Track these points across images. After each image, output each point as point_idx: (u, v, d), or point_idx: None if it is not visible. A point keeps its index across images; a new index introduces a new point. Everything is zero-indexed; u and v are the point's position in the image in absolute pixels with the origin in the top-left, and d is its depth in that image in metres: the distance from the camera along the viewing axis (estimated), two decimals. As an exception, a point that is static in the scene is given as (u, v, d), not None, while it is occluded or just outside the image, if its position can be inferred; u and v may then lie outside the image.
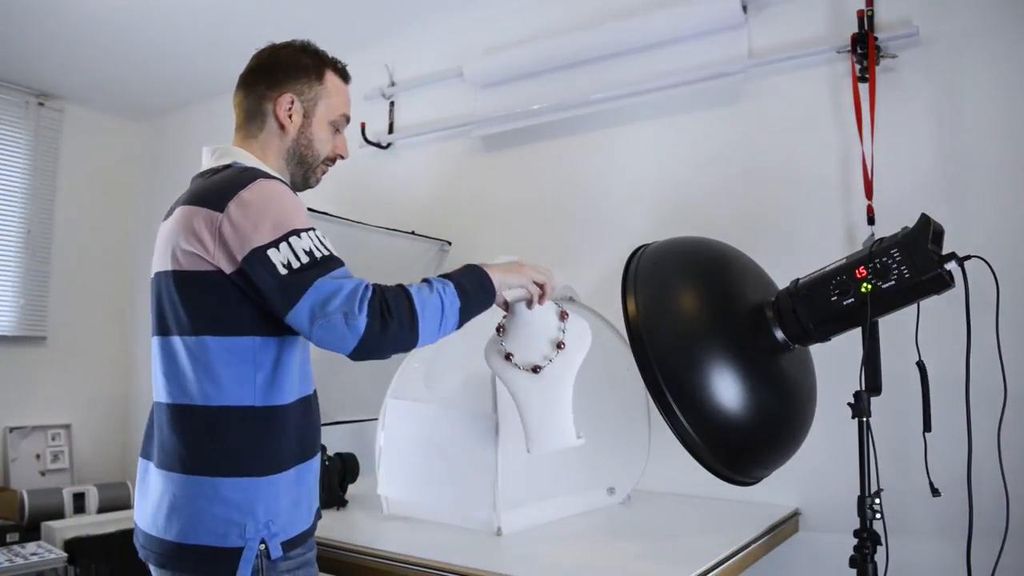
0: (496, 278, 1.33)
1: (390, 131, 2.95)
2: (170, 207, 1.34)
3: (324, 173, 1.47)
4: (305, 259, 1.15)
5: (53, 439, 3.51)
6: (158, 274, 1.27)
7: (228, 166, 1.29)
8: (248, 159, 1.34)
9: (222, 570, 1.17)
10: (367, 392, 2.25)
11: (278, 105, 1.37)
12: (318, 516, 1.34)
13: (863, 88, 1.95)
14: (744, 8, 2.17)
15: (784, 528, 1.85)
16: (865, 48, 1.94)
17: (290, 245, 1.15)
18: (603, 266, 2.34)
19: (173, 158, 3.81)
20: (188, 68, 3.31)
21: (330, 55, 1.45)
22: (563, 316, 1.46)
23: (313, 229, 1.20)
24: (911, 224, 1.34)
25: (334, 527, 1.68)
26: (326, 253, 1.18)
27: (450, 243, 2.59)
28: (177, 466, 1.20)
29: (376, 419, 1.81)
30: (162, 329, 1.26)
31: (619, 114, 2.40)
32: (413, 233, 2.49)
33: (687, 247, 1.64)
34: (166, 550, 1.20)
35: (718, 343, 1.43)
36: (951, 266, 1.28)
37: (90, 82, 3.50)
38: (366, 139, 2.94)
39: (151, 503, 1.24)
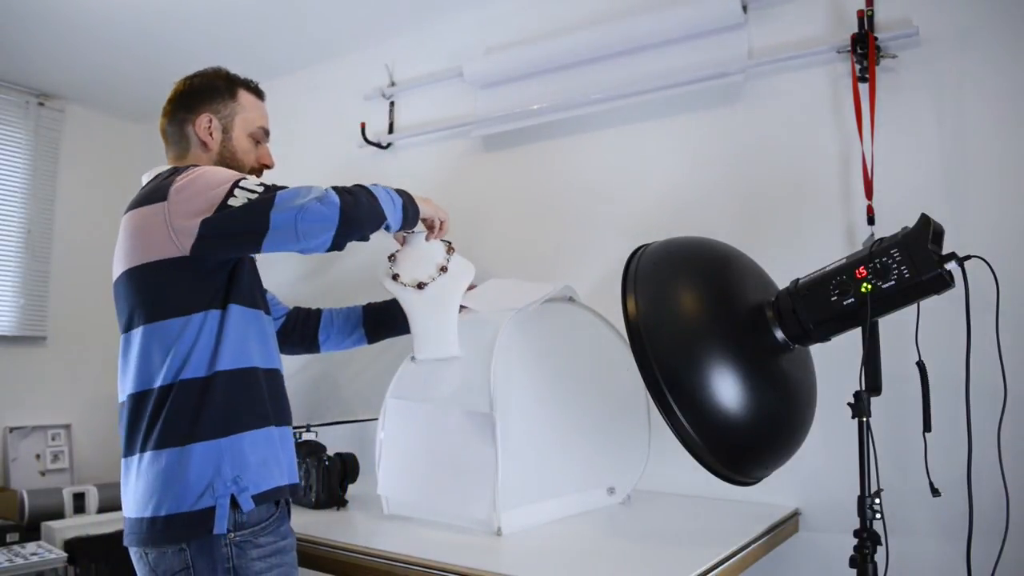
0: (419, 204, 1.61)
1: (390, 131, 2.95)
2: (128, 206, 1.47)
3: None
4: (260, 189, 1.29)
5: (53, 439, 3.50)
6: (116, 280, 1.39)
7: (167, 172, 1.43)
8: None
9: (201, 531, 1.24)
10: (367, 392, 2.25)
11: (197, 126, 1.53)
12: (294, 492, 1.41)
13: (863, 88, 1.95)
14: (744, 8, 2.17)
15: (784, 528, 1.85)
16: (865, 48, 1.94)
17: (240, 187, 1.28)
18: (603, 266, 2.34)
19: (173, 158, 3.81)
20: (188, 68, 3.28)
21: (242, 77, 1.62)
22: (450, 249, 1.79)
23: (246, 178, 1.33)
24: (911, 224, 1.34)
25: (334, 527, 1.68)
26: (269, 184, 1.32)
27: (450, 243, 2.59)
28: (143, 447, 1.29)
29: (376, 419, 1.81)
30: (127, 327, 1.36)
31: (619, 114, 2.40)
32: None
33: (687, 247, 1.64)
34: (146, 527, 1.26)
35: (718, 343, 1.43)
36: (951, 266, 1.28)
37: (90, 82, 3.50)
38: (366, 139, 2.94)
39: (130, 491, 1.32)
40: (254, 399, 1.35)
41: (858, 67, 1.96)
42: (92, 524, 2.91)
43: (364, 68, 3.04)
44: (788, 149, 2.11)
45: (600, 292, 2.21)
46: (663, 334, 1.45)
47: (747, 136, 2.18)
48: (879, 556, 1.31)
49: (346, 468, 1.93)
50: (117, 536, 2.95)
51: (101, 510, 3.13)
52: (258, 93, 1.62)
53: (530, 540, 1.57)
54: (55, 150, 3.68)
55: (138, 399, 1.31)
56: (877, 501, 1.31)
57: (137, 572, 1.34)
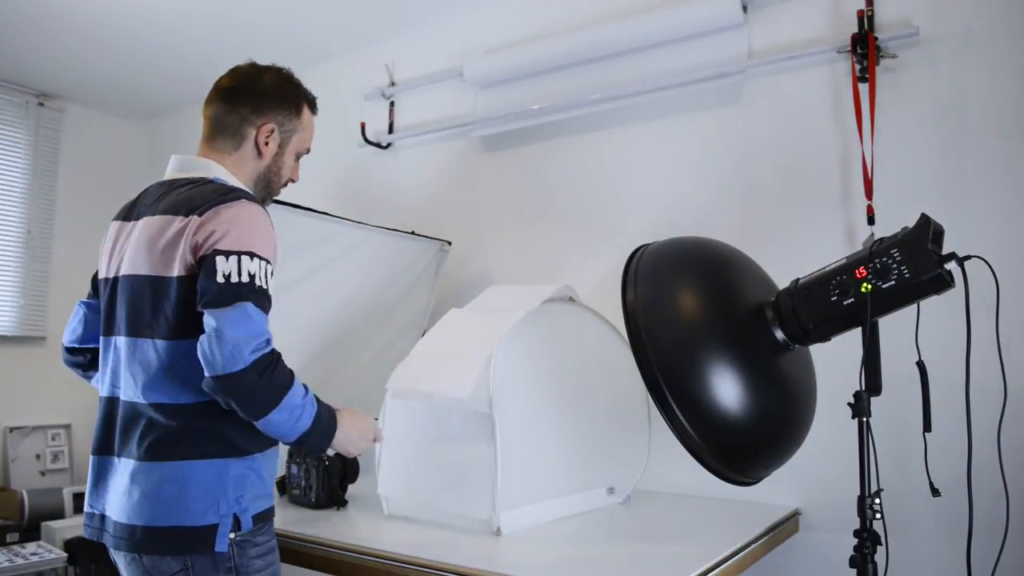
0: (340, 436, 1.38)
1: (390, 131, 2.95)
2: (128, 208, 1.43)
3: (277, 194, 1.58)
4: (245, 278, 1.22)
5: (53, 439, 3.50)
6: (123, 278, 1.34)
7: (208, 181, 1.36)
8: (227, 177, 1.40)
9: (202, 547, 1.24)
10: (367, 392, 2.25)
11: (260, 132, 1.43)
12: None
13: (863, 88, 1.95)
14: (744, 8, 2.17)
15: (784, 528, 1.85)
16: (865, 48, 1.94)
17: (239, 261, 1.23)
18: (603, 266, 2.34)
19: (173, 158, 3.81)
20: (188, 68, 3.31)
21: (304, 86, 1.53)
22: None
23: (269, 263, 1.28)
24: (911, 224, 1.34)
25: (334, 527, 1.68)
26: (264, 287, 1.25)
27: (450, 243, 2.59)
28: (150, 456, 1.27)
29: (376, 419, 1.81)
30: (136, 331, 1.31)
31: (619, 114, 2.40)
32: (413, 233, 2.49)
33: (687, 247, 1.64)
34: (142, 536, 1.25)
35: (718, 343, 1.43)
36: (951, 266, 1.28)
37: (90, 82, 3.51)
38: (366, 139, 2.94)
39: (121, 492, 1.29)
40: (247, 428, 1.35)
41: (858, 67, 1.96)
42: (92, 524, 2.90)
43: (364, 68, 3.04)
44: (788, 149, 2.11)
45: (600, 292, 2.21)
46: (663, 334, 1.45)
47: (747, 136, 2.18)
48: (879, 556, 1.31)
49: (346, 468, 1.93)
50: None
51: (101, 510, 3.12)
52: (315, 109, 1.56)
53: (530, 540, 1.57)
54: (55, 150, 3.68)
55: (160, 409, 1.28)
56: (877, 501, 1.31)
57: (125, 574, 1.33)
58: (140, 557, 1.27)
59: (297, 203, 2.01)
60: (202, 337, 1.19)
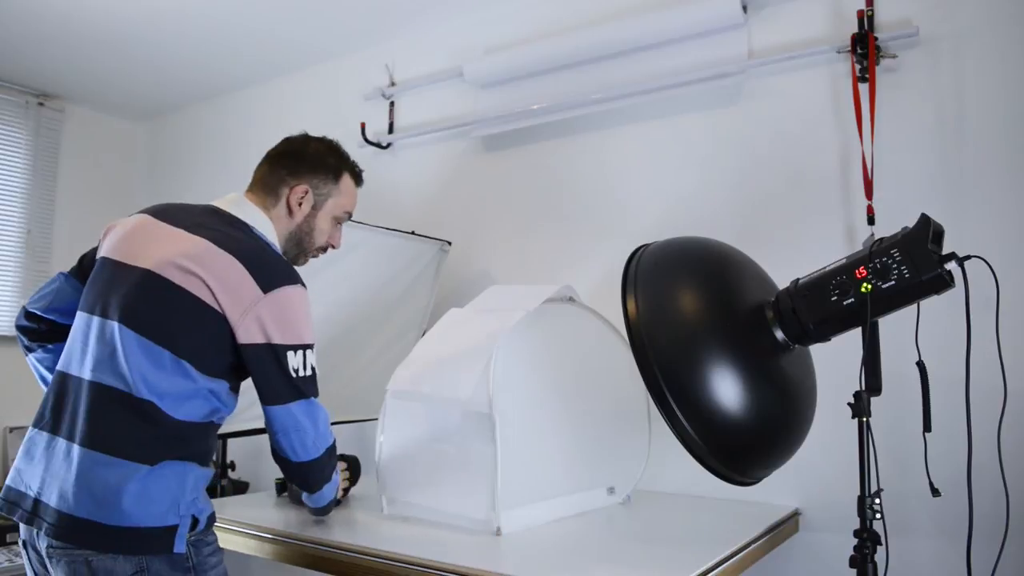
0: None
1: (390, 131, 2.95)
2: (163, 210, 1.45)
3: (315, 257, 1.65)
4: (309, 372, 1.39)
5: (53, 439, 3.50)
6: (147, 272, 1.32)
7: (249, 228, 1.45)
8: (269, 232, 1.50)
9: (160, 548, 1.25)
10: (367, 392, 2.25)
11: (293, 192, 1.53)
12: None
13: (863, 88, 1.95)
14: (744, 8, 2.17)
15: (784, 528, 1.85)
16: (865, 48, 1.94)
17: (304, 355, 1.37)
18: (603, 266, 2.34)
19: (173, 158, 3.81)
20: (188, 68, 3.31)
21: (351, 159, 1.64)
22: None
23: (313, 347, 1.41)
24: (911, 224, 1.34)
25: (334, 527, 1.68)
26: (315, 374, 1.42)
27: (450, 243, 2.59)
28: (119, 451, 1.25)
29: (376, 419, 1.81)
30: (146, 330, 1.29)
31: (619, 114, 2.40)
32: (413, 233, 2.49)
33: (687, 247, 1.64)
34: (96, 532, 1.22)
35: (718, 343, 1.43)
36: (951, 266, 1.28)
37: (90, 82, 3.51)
38: (366, 139, 2.94)
39: (69, 483, 1.24)
40: (212, 443, 1.43)
41: (858, 67, 1.96)
42: (92, 524, 2.90)
43: (364, 68, 3.04)
44: (788, 149, 2.11)
45: (600, 292, 2.21)
46: (663, 334, 1.45)
47: (747, 136, 2.18)
48: (879, 556, 1.31)
49: (350, 469, 1.91)
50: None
51: (101, 510, 3.12)
52: (359, 179, 1.66)
53: (530, 540, 1.57)
54: (55, 150, 3.68)
55: (140, 407, 1.26)
56: (877, 501, 1.31)
57: (55, 571, 1.25)
58: (89, 559, 1.22)
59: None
60: (285, 428, 1.36)
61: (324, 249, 1.63)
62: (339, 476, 1.58)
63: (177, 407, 1.29)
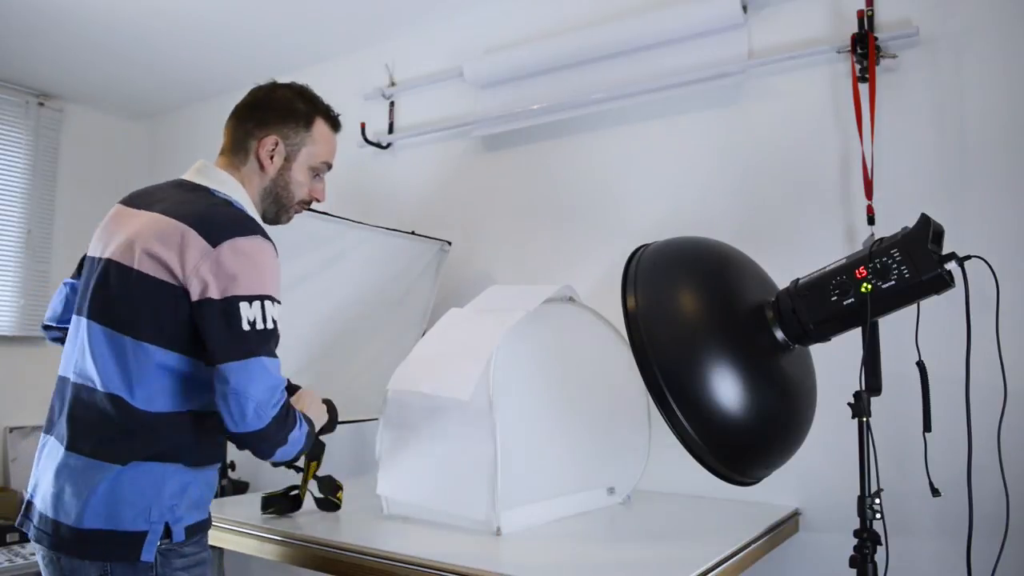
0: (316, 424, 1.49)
1: (390, 131, 2.95)
2: (137, 196, 1.40)
3: (298, 212, 1.52)
4: (270, 325, 1.24)
5: (53, 439, 3.50)
6: (108, 261, 1.29)
7: (210, 191, 1.36)
8: (235, 191, 1.39)
9: (127, 555, 1.20)
10: (367, 392, 2.25)
11: (262, 145, 1.42)
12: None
13: (863, 88, 1.95)
14: (744, 8, 2.17)
15: (784, 528, 1.85)
16: (865, 48, 1.94)
17: (263, 306, 1.23)
18: (603, 266, 2.34)
19: (173, 158, 3.81)
20: (188, 68, 3.31)
21: (324, 103, 1.50)
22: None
23: (279, 303, 1.28)
24: (911, 224, 1.34)
25: (334, 527, 1.68)
26: (278, 332, 1.27)
27: (450, 243, 2.59)
28: (88, 451, 1.22)
29: (376, 419, 1.81)
30: (108, 320, 1.26)
31: (619, 114, 2.40)
32: (413, 233, 2.49)
33: (687, 247, 1.64)
34: (65, 534, 1.20)
35: (718, 343, 1.43)
36: (951, 266, 1.28)
37: (90, 82, 3.51)
38: (366, 139, 2.94)
39: (48, 482, 1.24)
40: (213, 440, 1.34)
41: (858, 67, 1.96)
42: (92, 524, 2.90)
43: (364, 68, 3.04)
44: (788, 149, 2.11)
45: (600, 292, 2.21)
46: (663, 334, 1.45)
47: (747, 136, 2.18)
48: (879, 556, 1.31)
49: (333, 484, 1.85)
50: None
51: (101, 510, 3.12)
52: (335, 124, 1.53)
53: (530, 540, 1.57)
54: (55, 150, 3.68)
55: (115, 403, 1.22)
56: (877, 501, 1.31)
57: (42, 571, 1.27)
58: (58, 558, 1.22)
59: (297, 203, 2.01)
60: (223, 393, 1.20)
61: (307, 203, 1.53)
62: (303, 430, 1.34)
63: (148, 400, 1.22)
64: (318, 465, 1.78)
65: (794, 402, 1.52)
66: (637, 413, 1.95)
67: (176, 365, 1.25)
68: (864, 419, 1.33)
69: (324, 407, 1.57)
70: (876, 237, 1.42)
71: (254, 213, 1.41)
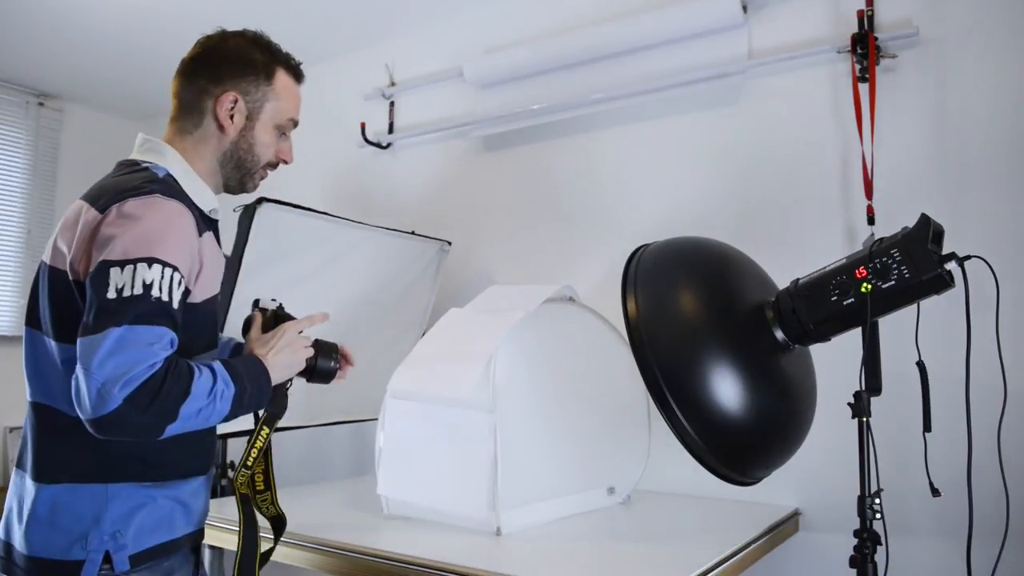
0: (276, 376, 1.23)
1: (390, 131, 2.95)
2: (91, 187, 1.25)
3: (263, 178, 1.36)
4: (138, 290, 1.02)
5: (53, 439, 3.50)
6: (41, 263, 1.19)
7: (144, 167, 1.20)
8: (175, 162, 1.22)
9: None
10: (367, 392, 2.25)
11: (219, 103, 1.24)
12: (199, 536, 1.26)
13: (863, 88, 1.95)
14: (744, 8, 2.17)
15: (784, 528, 1.85)
16: (865, 48, 1.94)
17: (135, 270, 1.03)
18: (603, 266, 2.34)
19: (173, 158, 3.81)
20: (188, 68, 3.31)
21: (284, 51, 1.34)
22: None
23: (176, 269, 1.07)
24: (911, 224, 1.34)
25: (334, 527, 1.68)
26: (164, 299, 1.04)
27: (450, 243, 2.59)
28: (29, 470, 1.14)
29: (376, 419, 1.81)
30: (33, 322, 1.17)
31: (619, 114, 2.40)
32: (413, 233, 2.49)
33: (687, 247, 1.64)
34: (17, 559, 1.12)
35: (718, 343, 1.43)
36: (951, 266, 1.28)
37: (90, 82, 3.51)
38: (366, 139, 2.94)
39: (6, 502, 1.18)
40: (188, 447, 1.20)
41: (858, 67, 1.96)
42: (92, 524, 2.90)
43: (364, 68, 3.04)
44: (788, 149, 2.11)
45: (600, 292, 2.21)
46: (663, 334, 1.45)
47: (747, 136, 2.18)
48: (879, 556, 1.31)
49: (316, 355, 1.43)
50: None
51: (101, 510, 3.12)
52: (298, 75, 1.34)
53: (530, 540, 1.57)
54: (55, 150, 3.69)
55: (42, 412, 1.14)
56: (877, 501, 1.31)
57: None
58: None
59: (297, 203, 2.01)
60: (73, 376, 1.02)
61: (274, 166, 1.35)
62: (216, 399, 1.09)
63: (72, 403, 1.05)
64: (270, 432, 1.29)
65: (794, 402, 1.53)
66: (637, 413, 1.95)
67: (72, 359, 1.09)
68: (864, 419, 1.33)
69: (302, 353, 1.30)
70: (876, 237, 1.42)
71: (201, 185, 1.24)
